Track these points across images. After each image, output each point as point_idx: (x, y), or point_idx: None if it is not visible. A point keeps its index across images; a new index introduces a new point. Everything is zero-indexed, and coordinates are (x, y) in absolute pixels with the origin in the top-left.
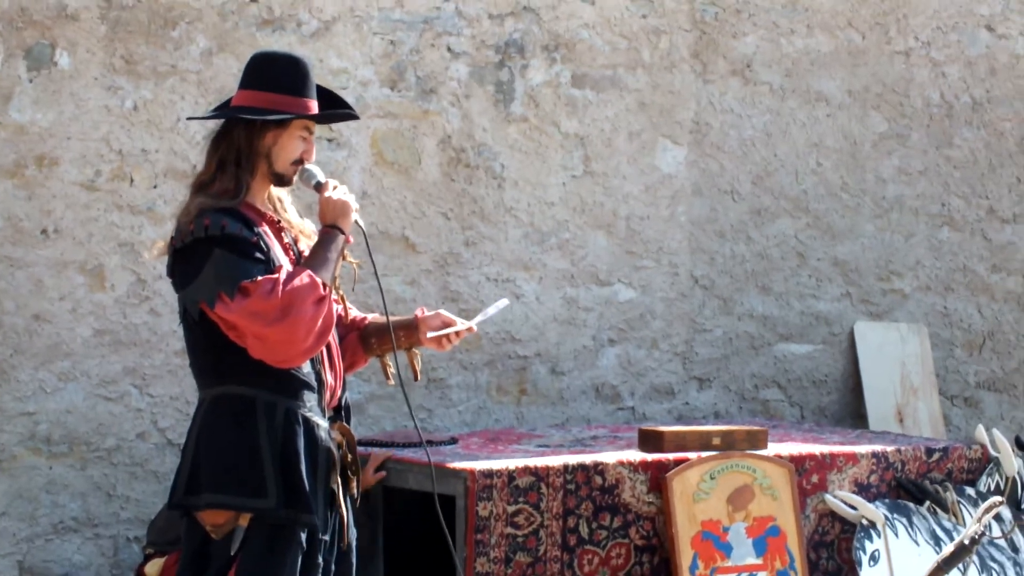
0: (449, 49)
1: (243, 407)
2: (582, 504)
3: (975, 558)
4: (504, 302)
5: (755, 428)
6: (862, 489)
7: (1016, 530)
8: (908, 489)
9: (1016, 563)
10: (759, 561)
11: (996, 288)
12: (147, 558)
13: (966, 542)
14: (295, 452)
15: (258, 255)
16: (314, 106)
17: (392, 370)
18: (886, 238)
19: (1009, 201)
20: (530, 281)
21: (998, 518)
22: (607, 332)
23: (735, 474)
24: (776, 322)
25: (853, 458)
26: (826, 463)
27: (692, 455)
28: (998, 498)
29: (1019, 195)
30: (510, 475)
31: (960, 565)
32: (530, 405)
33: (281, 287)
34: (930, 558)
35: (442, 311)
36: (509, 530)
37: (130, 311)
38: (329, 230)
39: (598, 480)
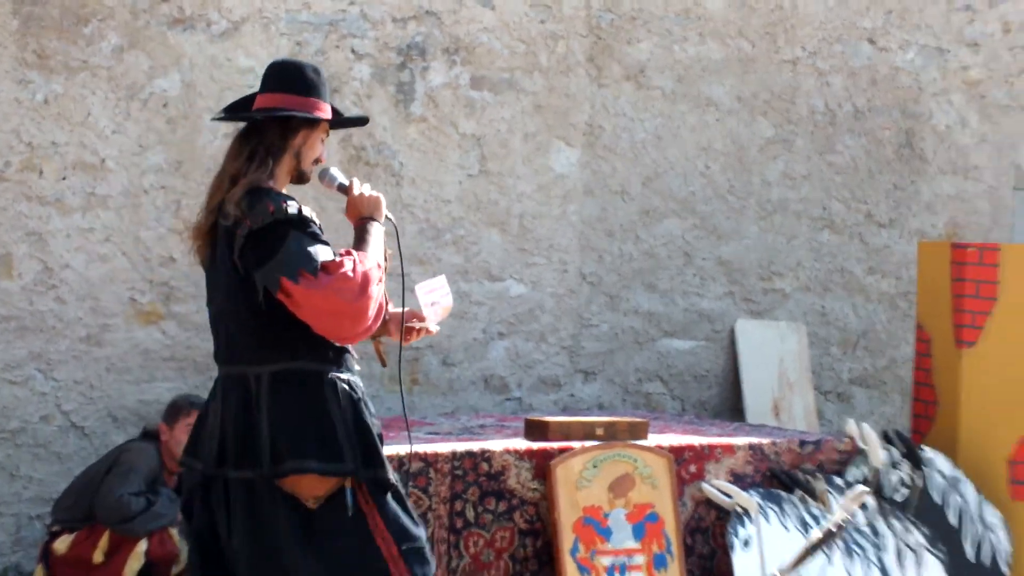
0: (353, 51)
1: (312, 381)
2: (469, 489)
3: (840, 543)
4: (440, 279)
5: (637, 420)
6: (738, 478)
7: (879, 516)
8: (781, 479)
9: (877, 547)
10: (637, 545)
11: (871, 289)
12: (53, 535)
13: (832, 528)
14: (362, 417)
15: (324, 237)
16: (329, 109)
17: (384, 349)
18: (769, 240)
19: (886, 206)
20: (424, 275)
21: (863, 506)
22: (497, 326)
23: (617, 463)
24: (660, 318)
25: (730, 449)
26: (704, 453)
27: (576, 444)
28: (864, 488)
29: (896, 201)
30: (400, 461)
31: (826, 549)
32: (422, 394)
33: (358, 265)
34: (799, 543)
35: (410, 307)
36: None
37: (36, 298)
38: (367, 221)
39: (485, 467)
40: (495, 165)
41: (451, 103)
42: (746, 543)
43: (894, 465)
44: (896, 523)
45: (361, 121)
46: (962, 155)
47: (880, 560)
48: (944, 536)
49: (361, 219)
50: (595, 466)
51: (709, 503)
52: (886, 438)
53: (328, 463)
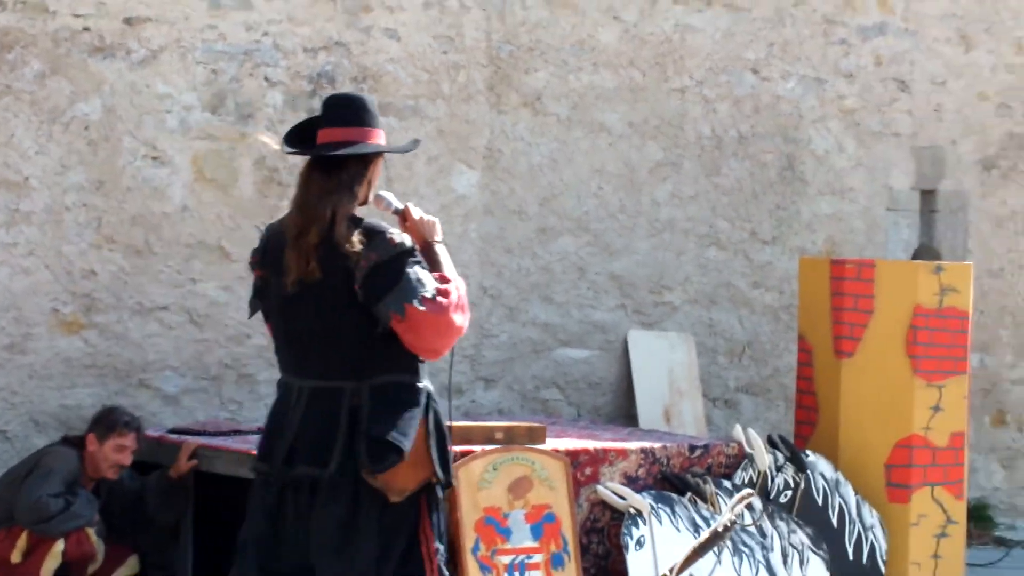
0: (266, 79)
1: (408, 392)
2: None
3: (728, 543)
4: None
5: (535, 425)
6: (631, 481)
7: (765, 518)
8: (672, 481)
9: (764, 547)
10: (536, 544)
11: (755, 302)
12: None
13: (720, 529)
14: (440, 426)
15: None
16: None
17: None
18: (659, 256)
19: (769, 225)
20: None
21: (750, 507)
22: None
23: (515, 466)
24: (557, 329)
25: (623, 453)
26: (599, 457)
27: (477, 448)
28: (749, 490)
29: (778, 220)
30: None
31: (715, 549)
32: None
33: (457, 291)
34: (689, 543)
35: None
36: None
37: None
38: (431, 244)
39: None
40: (400, 186)
41: None
42: (639, 543)
43: (779, 468)
44: (781, 524)
45: (414, 146)
46: (839, 178)
47: (767, 560)
48: (826, 536)
49: (425, 243)
50: (495, 468)
51: (604, 505)
52: (771, 443)
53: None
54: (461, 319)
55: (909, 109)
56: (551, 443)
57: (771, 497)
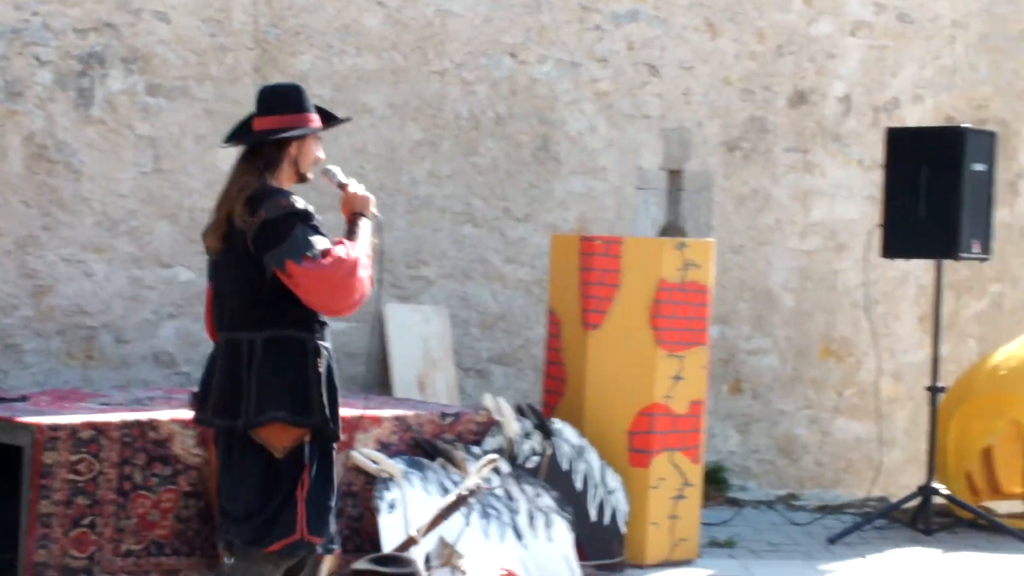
0: (36, 58)
1: (297, 347)
2: (137, 455)
3: (477, 506)
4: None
5: None
6: (384, 447)
7: (512, 482)
8: (424, 447)
9: (511, 510)
10: None
11: (509, 277)
12: None
13: (465, 492)
14: (332, 382)
15: (322, 230)
16: (317, 118)
17: None
18: (416, 232)
19: (523, 203)
20: (100, 262)
21: (498, 471)
22: (167, 308)
23: None
24: None
25: (377, 420)
26: (354, 424)
27: None
28: (494, 456)
29: (531, 198)
30: (73, 429)
31: (464, 511)
32: (96, 369)
33: (349, 252)
34: (438, 506)
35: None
36: (71, 476)
37: None
38: (359, 216)
39: (152, 434)
40: (168, 163)
41: (128, 107)
42: (391, 506)
43: (526, 435)
44: (528, 488)
45: (345, 120)
46: (591, 158)
47: (513, 521)
48: (571, 499)
49: (353, 214)
50: None
51: (358, 469)
52: (519, 411)
53: (298, 416)
54: (345, 279)
55: (659, 93)
56: None
57: (519, 463)
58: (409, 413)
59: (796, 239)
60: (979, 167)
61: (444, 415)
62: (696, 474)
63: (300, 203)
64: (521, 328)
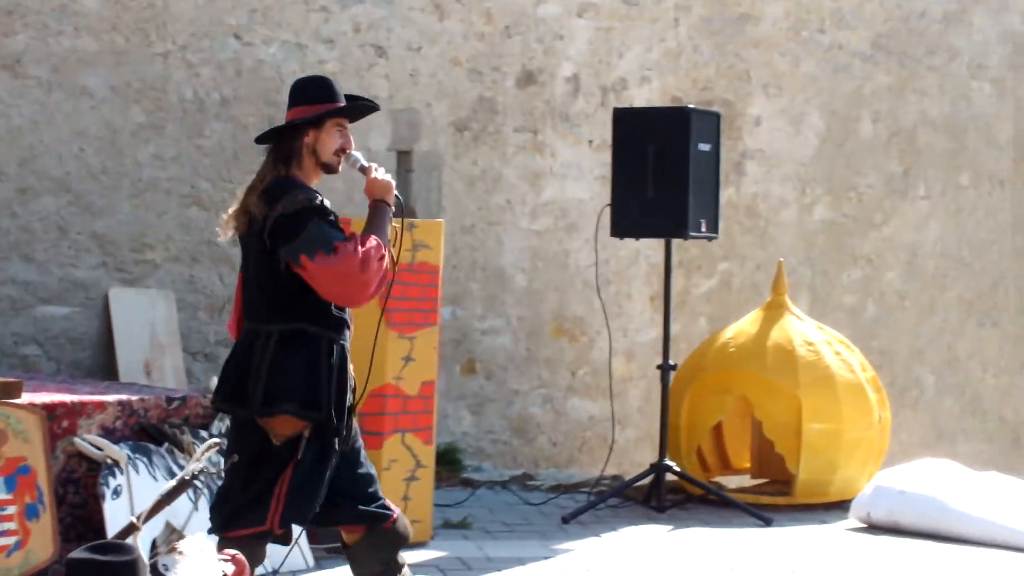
0: None
1: (310, 342)
2: None
3: (204, 490)
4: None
5: (10, 380)
6: (108, 433)
7: None
8: (150, 432)
9: None
10: (9, 496)
11: (236, 260)
12: None
13: (187, 477)
14: (343, 379)
15: (338, 223)
16: (335, 107)
17: None
18: (141, 215)
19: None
20: None
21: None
22: None
23: None
24: (37, 287)
25: (101, 406)
26: (76, 410)
27: None
28: (216, 439)
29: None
30: None
31: (191, 495)
32: None
33: (360, 247)
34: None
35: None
36: None
37: None
38: (379, 203)
39: None
40: None
41: None
42: (116, 492)
43: None
44: None
45: (374, 108)
46: None
47: None
48: None
49: (374, 200)
50: None
51: (81, 456)
52: None
53: (305, 409)
54: (358, 272)
55: (386, 74)
56: (27, 397)
57: None
58: (134, 398)
59: (527, 219)
60: (705, 147)
61: (170, 399)
62: (428, 455)
63: (317, 199)
64: None
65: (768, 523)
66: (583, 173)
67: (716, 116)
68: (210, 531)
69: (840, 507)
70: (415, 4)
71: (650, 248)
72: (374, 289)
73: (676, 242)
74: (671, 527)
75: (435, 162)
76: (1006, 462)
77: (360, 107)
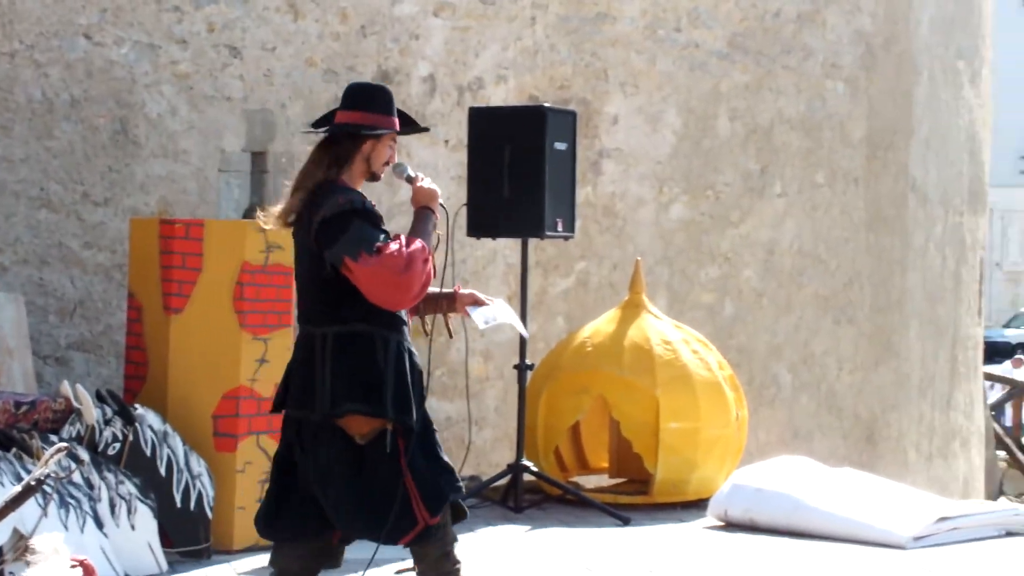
0: None
1: (366, 341)
2: None
3: (55, 495)
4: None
5: None
6: None
7: (92, 470)
8: None
9: (91, 498)
10: None
11: (88, 262)
12: None
13: (32, 482)
14: (403, 372)
15: (382, 225)
16: (397, 122)
17: (428, 327)
18: None
19: (102, 187)
20: None
21: (77, 459)
22: None
23: None
24: None
25: None
26: None
27: None
28: (63, 444)
29: (111, 182)
30: None
31: (41, 501)
32: None
33: (404, 248)
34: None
35: (476, 292)
36: None
37: None
38: (424, 210)
39: None
40: None
41: None
42: None
43: (107, 422)
44: (109, 475)
45: (423, 129)
46: (172, 140)
47: (94, 510)
48: (155, 485)
49: (420, 208)
50: None
51: None
52: (99, 397)
53: (372, 407)
54: (400, 274)
55: (241, 74)
56: None
57: (99, 450)
58: None
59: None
60: (561, 146)
61: (19, 404)
62: None
63: (359, 200)
64: (101, 314)
65: (626, 522)
66: (440, 173)
67: (572, 115)
68: (383, 541)
69: (698, 506)
70: (270, 4)
71: (507, 248)
72: (418, 291)
73: (533, 242)
74: (529, 527)
75: (290, 163)
76: (860, 459)
77: (417, 128)
